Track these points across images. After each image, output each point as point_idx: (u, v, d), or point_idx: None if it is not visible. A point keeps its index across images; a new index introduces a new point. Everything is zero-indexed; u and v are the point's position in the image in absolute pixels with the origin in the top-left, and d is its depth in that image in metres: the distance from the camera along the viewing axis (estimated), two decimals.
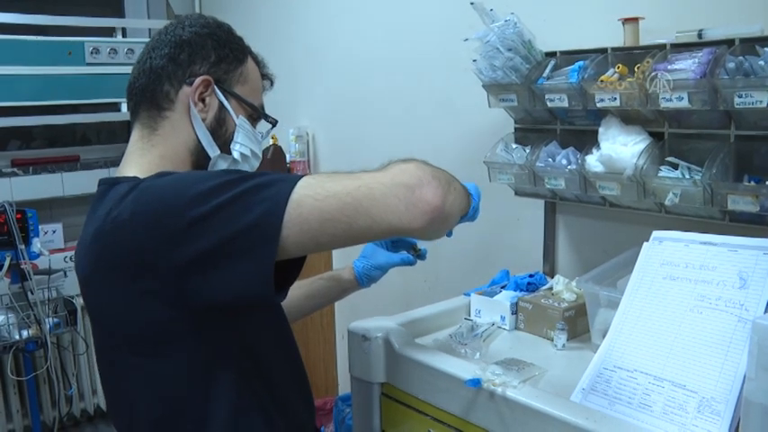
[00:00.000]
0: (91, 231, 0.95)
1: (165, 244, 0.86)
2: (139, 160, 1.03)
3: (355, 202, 0.84)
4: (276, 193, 0.85)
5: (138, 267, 0.88)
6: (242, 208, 0.84)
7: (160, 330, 0.93)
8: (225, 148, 1.08)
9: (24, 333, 2.55)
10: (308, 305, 1.39)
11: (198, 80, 1.03)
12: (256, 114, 1.12)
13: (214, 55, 1.06)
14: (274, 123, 1.17)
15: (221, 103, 1.06)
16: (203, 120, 1.05)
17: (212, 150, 1.06)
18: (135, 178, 0.98)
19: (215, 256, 0.85)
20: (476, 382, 1.20)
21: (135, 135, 1.06)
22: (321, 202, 0.84)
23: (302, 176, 0.88)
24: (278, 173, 0.90)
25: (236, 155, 1.08)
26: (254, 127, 1.14)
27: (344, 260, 2.69)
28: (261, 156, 1.15)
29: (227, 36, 1.09)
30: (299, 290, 1.36)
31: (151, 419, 0.98)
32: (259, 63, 1.15)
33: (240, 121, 1.08)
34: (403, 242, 1.38)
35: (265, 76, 1.16)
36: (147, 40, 3.70)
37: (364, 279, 1.39)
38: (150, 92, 1.04)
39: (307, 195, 0.84)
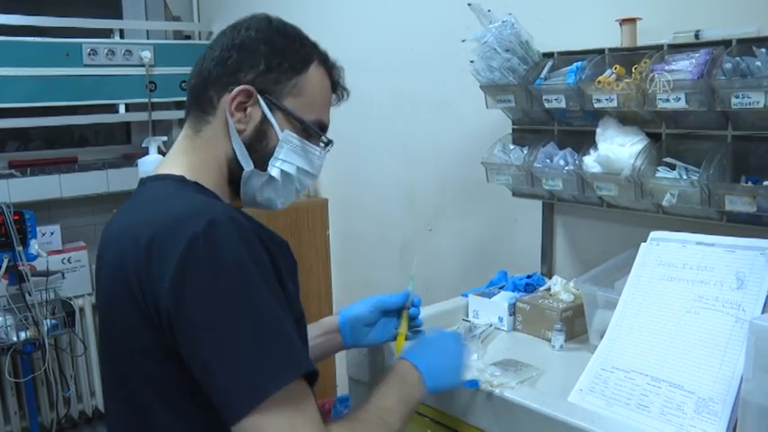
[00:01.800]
0: (147, 234, 0.88)
1: (175, 301, 0.84)
2: (183, 159, 1.01)
3: None
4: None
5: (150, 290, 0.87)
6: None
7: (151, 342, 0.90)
8: (262, 163, 1.02)
9: (22, 335, 2.54)
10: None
11: (236, 89, 0.98)
12: (311, 130, 1.05)
13: (264, 63, 0.99)
14: (327, 143, 1.09)
15: (264, 116, 1.00)
16: (240, 131, 1.00)
17: (246, 164, 1.01)
18: (181, 178, 0.98)
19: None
20: (473, 384, 1.20)
21: (182, 133, 1.04)
22: None
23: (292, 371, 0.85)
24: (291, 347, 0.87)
25: (274, 172, 1.03)
26: (316, 143, 1.07)
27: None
28: (317, 173, 1.09)
29: (284, 43, 1.02)
30: None
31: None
32: (332, 74, 1.07)
33: (285, 135, 1.02)
34: (392, 309, 1.30)
35: (336, 88, 1.09)
36: (145, 41, 3.63)
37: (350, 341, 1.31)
38: (198, 95, 1.01)
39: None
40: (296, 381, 0.85)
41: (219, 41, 1.02)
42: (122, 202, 1.06)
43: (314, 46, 1.06)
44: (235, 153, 1.00)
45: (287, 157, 1.03)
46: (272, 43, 1.01)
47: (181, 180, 0.98)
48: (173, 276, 0.83)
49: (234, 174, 1.02)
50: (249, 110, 0.99)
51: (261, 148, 1.01)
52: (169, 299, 0.84)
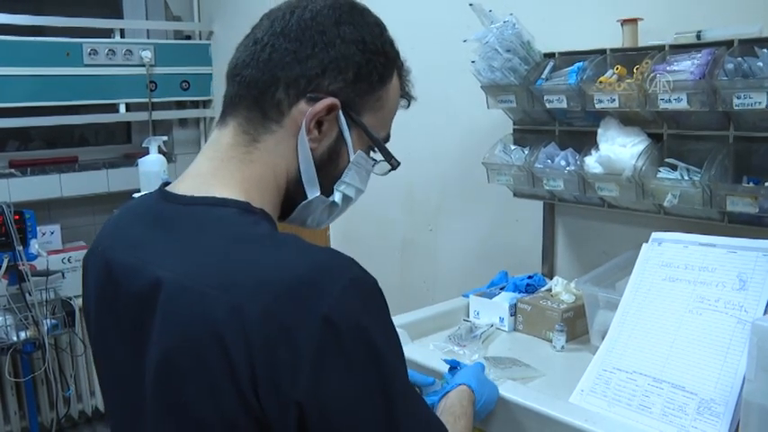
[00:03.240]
0: (255, 302, 0.66)
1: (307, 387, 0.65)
2: (235, 173, 0.78)
3: None
4: None
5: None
6: None
7: None
8: (327, 187, 0.84)
9: (22, 334, 2.54)
10: None
11: (322, 104, 0.77)
12: (385, 152, 0.88)
13: (353, 72, 0.79)
14: (395, 166, 0.90)
15: (340, 134, 0.81)
16: (313, 150, 0.80)
17: (312, 191, 0.82)
18: (246, 207, 0.75)
19: None
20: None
21: (228, 136, 0.80)
22: None
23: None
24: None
25: (336, 197, 0.86)
26: (369, 157, 0.88)
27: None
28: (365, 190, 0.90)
29: (375, 46, 0.81)
30: None
31: None
32: (403, 78, 0.88)
33: (357, 157, 0.84)
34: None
35: (405, 95, 0.90)
36: (146, 41, 3.59)
37: None
38: (258, 91, 0.78)
39: None
40: None
41: (291, 24, 0.79)
42: (137, 210, 0.85)
43: (393, 44, 0.86)
44: (299, 173, 0.81)
45: (351, 179, 0.86)
46: (364, 45, 0.80)
47: (247, 210, 0.75)
48: (311, 366, 0.64)
49: (290, 194, 0.83)
50: (326, 126, 0.79)
51: (329, 171, 0.83)
52: (307, 393, 0.65)
